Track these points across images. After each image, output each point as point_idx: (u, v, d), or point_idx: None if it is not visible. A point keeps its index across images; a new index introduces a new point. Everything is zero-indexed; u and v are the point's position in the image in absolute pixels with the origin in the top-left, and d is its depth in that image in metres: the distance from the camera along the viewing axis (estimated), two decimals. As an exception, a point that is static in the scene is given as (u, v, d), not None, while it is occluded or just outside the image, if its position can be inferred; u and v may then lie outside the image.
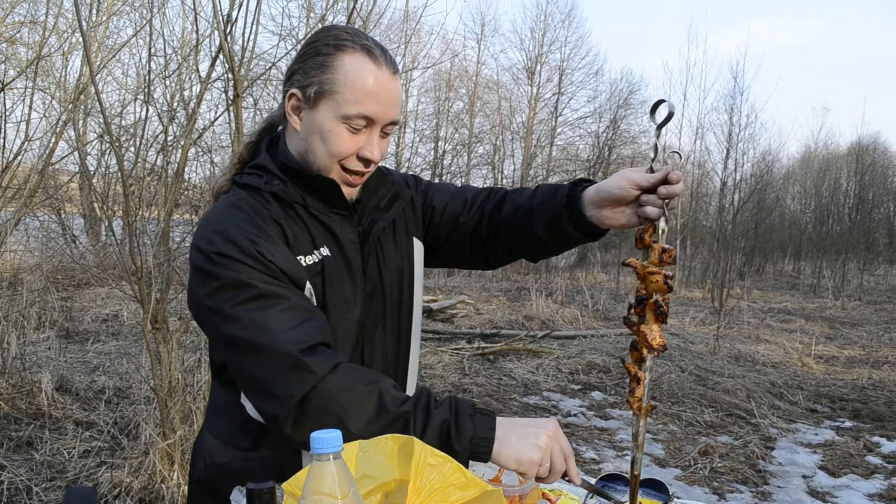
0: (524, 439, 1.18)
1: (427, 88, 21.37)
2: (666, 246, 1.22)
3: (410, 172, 1.67)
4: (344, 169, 1.32)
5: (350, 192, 1.37)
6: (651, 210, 1.26)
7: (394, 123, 1.33)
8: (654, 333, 1.21)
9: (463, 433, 1.16)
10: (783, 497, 4.27)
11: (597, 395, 6.32)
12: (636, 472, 1.24)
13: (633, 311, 1.29)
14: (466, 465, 1.14)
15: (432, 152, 20.39)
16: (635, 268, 1.26)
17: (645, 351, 1.24)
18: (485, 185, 1.64)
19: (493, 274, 15.46)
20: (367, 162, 1.32)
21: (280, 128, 1.43)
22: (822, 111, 47.59)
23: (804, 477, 4.62)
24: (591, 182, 1.40)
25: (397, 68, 1.32)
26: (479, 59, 22.38)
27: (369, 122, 1.28)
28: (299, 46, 1.38)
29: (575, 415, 5.69)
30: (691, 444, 5.03)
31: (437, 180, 1.64)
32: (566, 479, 1.24)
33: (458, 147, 21.29)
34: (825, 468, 4.78)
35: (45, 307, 7.09)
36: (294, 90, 1.30)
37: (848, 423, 5.83)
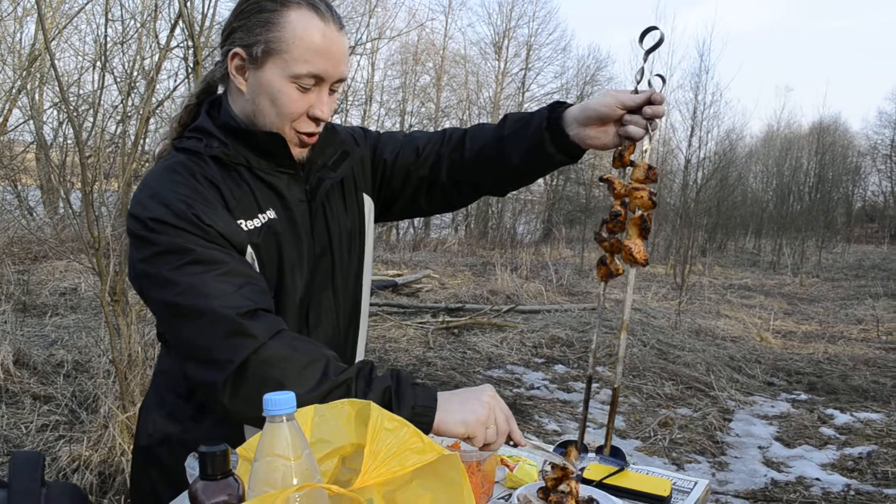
0: (466, 403, 1.18)
1: (393, 61, 21.19)
2: (650, 164, 1.25)
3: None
4: (295, 130, 1.29)
5: (301, 153, 1.34)
6: (634, 129, 1.29)
7: (342, 80, 1.30)
8: (638, 247, 1.23)
9: (404, 400, 1.16)
10: (739, 467, 4.37)
11: (560, 368, 6.38)
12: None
13: (605, 226, 1.31)
14: None
15: (398, 126, 20.25)
16: (613, 184, 1.28)
17: (618, 268, 1.26)
18: (435, 130, 1.61)
19: (458, 249, 15.48)
20: (317, 121, 1.30)
21: (221, 89, 1.38)
22: (784, 90, 48.32)
23: (760, 448, 4.73)
24: (568, 104, 1.39)
25: (343, 24, 1.29)
26: (447, 33, 22.23)
27: (318, 80, 1.25)
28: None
29: (538, 388, 5.74)
30: (651, 416, 5.11)
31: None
32: (510, 443, 1.24)
33: (424, 121, 21.16)
34: (780, 439, 4.90)
35: (0, 280, 6.94)
36: (237, 49, 1.25)
37: (803, 396, 5.97)
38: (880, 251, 23.30)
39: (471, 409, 1.17)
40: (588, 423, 4.90)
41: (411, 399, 1.16)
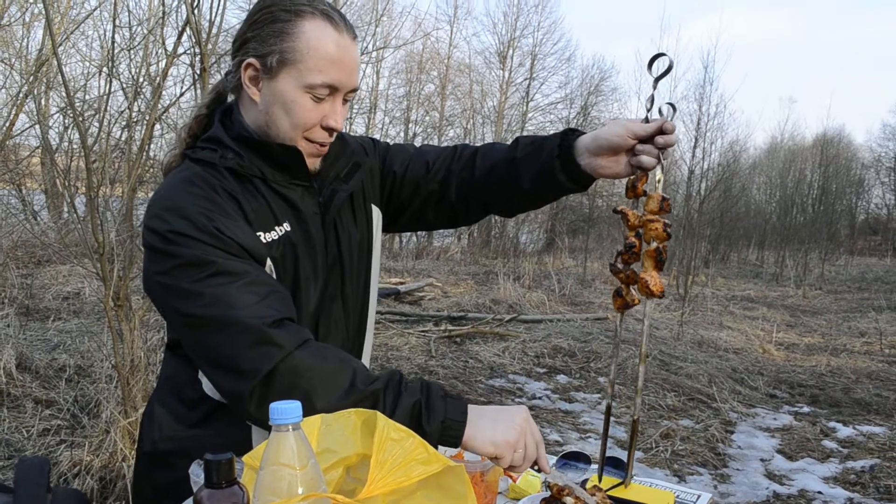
0: (498, 423, 1.17)
1: (398, 70, 21.22)
2: (664, 195, 1.24)
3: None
4: (308, 140, 1.29)
5: (314, 163, 1.34)
6: (647, 159, 1.28)
7: (354, 90, 1.30)
8: (654, 279, 1.24)
9: (434, 414, 1.14)
10: (741, 479, 4.35)
11: (562, 378, 6.37)
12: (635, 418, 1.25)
13: (619, 258, 1.31)
14: (435, 448, 1.13)
15: (402, 134, 20.28)
16: (627, 216, 1.28)
17: (634, 298, 1.26)
18: (446, 145, 1.62)
19: (461, 258, 15.47)
20: (331, 131, 1.29)
21: (232, 98, 1.37)
22: (788, 102, 48.39)
23: (762, 460, 4.71)
24: (580, 132, 1.39)
25: (356, 33, 1.29)
26: (452, 42, 22.30)
27: (333, 90, 1.25)
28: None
29: (540, 398, 5.73)
30: (653, 428, 5.10)
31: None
32: (535, 468, 1.23)
33: (428, 130, 21.19)
34: (783, 452, 4.88)
35: (4, 284, 6.94)
36: (251, 59, 1.25)
37: (806, 409, 5.95)
38: (883, 264, 23.28)
39: (502, 430, 1.16)
40: (588, 434, 4.89)
41: (441, 412, 1.15)
